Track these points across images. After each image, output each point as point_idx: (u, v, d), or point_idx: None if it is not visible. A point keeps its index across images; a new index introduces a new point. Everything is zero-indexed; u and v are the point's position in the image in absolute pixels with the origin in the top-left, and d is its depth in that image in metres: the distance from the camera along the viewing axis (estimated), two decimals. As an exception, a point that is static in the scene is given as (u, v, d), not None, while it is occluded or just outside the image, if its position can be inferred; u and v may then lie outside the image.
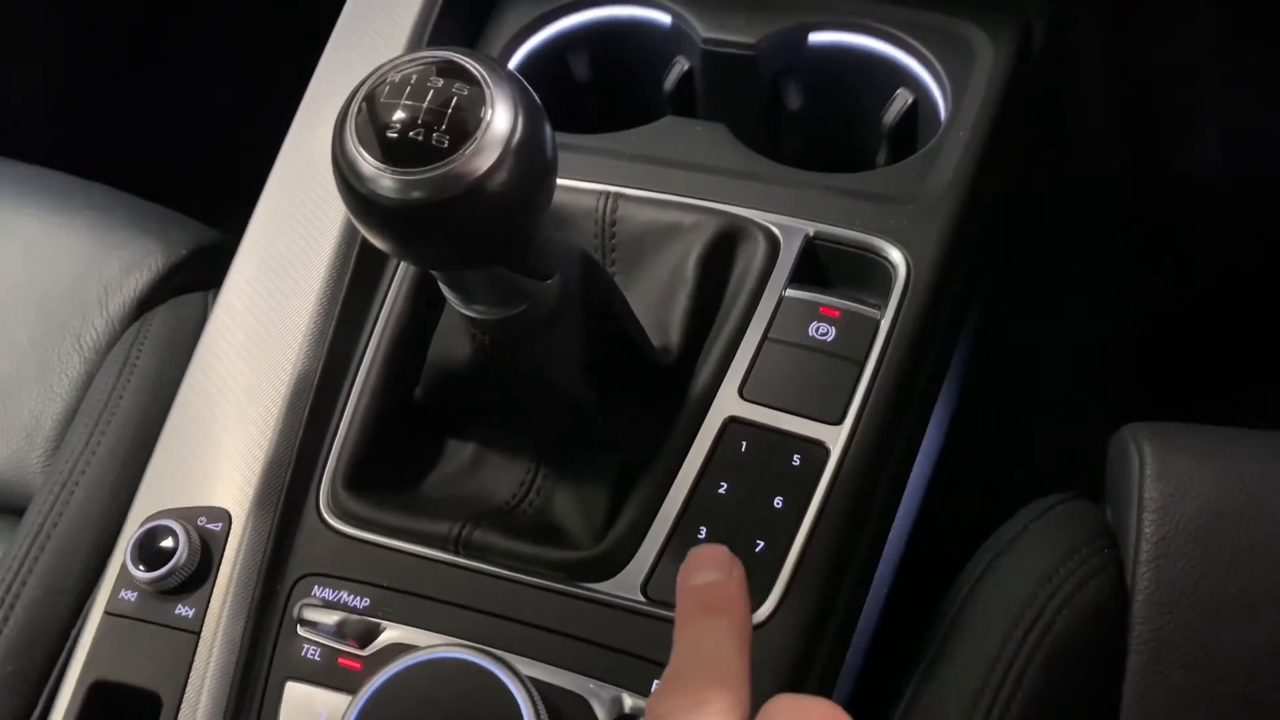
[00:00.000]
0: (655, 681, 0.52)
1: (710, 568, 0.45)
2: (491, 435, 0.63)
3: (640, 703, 0.52)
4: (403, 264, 0.65)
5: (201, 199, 0.93)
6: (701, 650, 0.42)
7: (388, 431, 0.61)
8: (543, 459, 0.62)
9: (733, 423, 0.58)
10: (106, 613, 0.57)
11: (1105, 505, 0.64)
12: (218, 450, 0.61)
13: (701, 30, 0.72)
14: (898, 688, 0.58)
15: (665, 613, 0.54)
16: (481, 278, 0.51)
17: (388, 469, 0.61)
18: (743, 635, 0.43)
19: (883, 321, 0.60)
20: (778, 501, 0.56)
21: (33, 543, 0.68)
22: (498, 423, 0.62)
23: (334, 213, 0.66)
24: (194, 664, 0.54)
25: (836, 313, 0.61)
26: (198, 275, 0.82)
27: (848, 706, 0.39)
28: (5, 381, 0.78)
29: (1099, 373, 0.96)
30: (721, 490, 0.57)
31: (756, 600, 0.54)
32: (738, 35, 0.71)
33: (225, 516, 0.58)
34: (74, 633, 0.64)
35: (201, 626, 0.55)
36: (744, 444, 0.58)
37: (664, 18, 0.75)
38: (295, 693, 0.54)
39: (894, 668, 0.60)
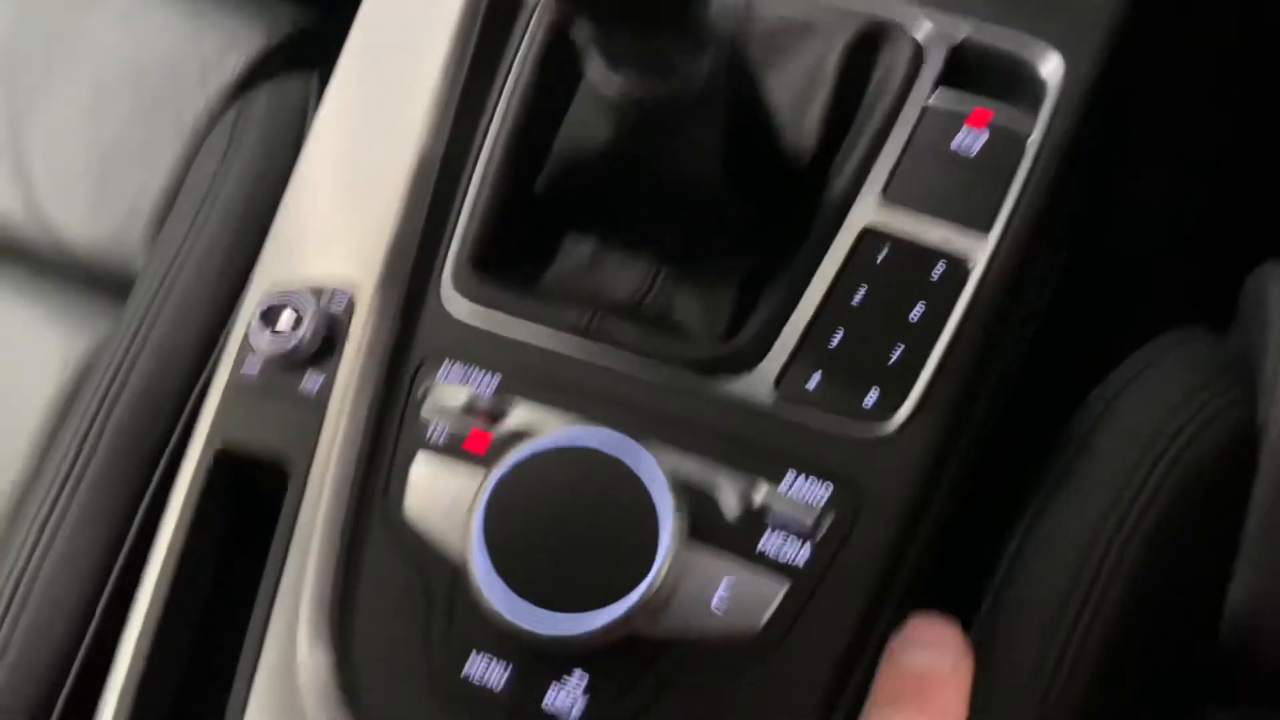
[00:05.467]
0: (790, 472, 0.51)
1: (933, 648, 0.35)
2: (611, 233, 0.61)
3: (768, 496, 0.51)
4: (529, 37, 0.61)
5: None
6: None
7: (511, 219, 0.59)
8: (665, 260, 0.60)
9: (871, 231, 0.56)
10: (230, 383, 0.56)
11: (1236, 341, 0.62)
12: (339, 229, 0.59)
13: None
14: (1017, 510, 0.58)
15: (797, 412, 0.53)
16: (638, 35, 0.48)
17: (510, 259, 0.59)
18: None
19: (1033, 134, 0.57)
20: (916, 312, 0.54)
21: (144, 318, 0.67)
22: (620, 220, 0.60)
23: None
24: (321, 434, 0.54)
25: (983, 124, 0.58)
26: (297, 57, 0.79)
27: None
28: (104, 158, 0.76)
29: (1224, 216, 0.92)
30: (858, 297, 0.55)
31: (890, 408, 0.53)
32: None
33: (350, 294, 0.57)
34: (189, 404, 0.65)
35: (329, 398, 0.55)
36: (882, 253, 0.56)
37: None
38: (423, 464, 0.54)
39: (1013, 494, 0.59)
